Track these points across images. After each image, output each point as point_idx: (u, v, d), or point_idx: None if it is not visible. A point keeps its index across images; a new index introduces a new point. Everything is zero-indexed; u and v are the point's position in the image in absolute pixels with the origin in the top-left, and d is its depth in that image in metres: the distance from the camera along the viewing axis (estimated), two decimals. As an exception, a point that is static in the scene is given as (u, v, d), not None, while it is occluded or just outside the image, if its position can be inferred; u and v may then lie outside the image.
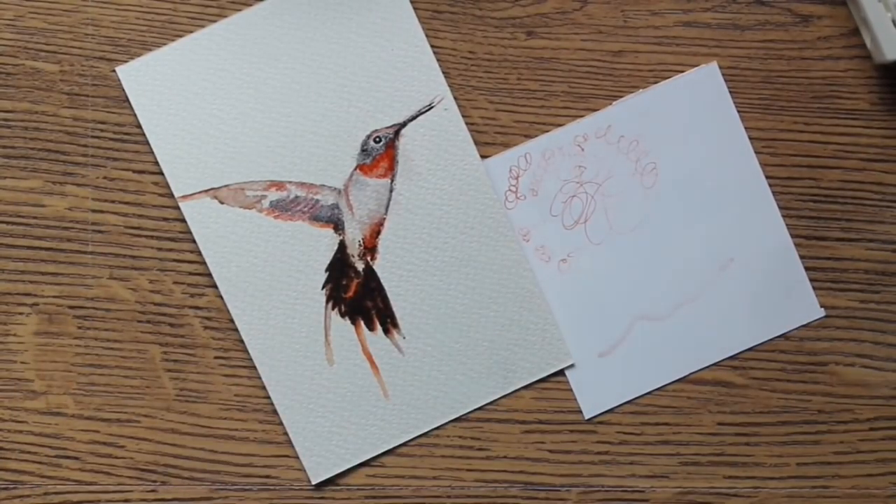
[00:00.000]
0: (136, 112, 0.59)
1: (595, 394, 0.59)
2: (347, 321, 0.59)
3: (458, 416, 0.59)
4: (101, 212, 0.59)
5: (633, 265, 0.59)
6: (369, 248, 0.59)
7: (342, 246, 0.59)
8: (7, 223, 0.59)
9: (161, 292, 0.59)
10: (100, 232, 0.59)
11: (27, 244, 0.59)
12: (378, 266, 0.59)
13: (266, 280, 0.59)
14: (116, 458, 0.59)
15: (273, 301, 0.59)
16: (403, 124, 0.59)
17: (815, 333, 0.60)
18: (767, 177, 0.60)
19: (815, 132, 0.60)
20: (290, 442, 0.59)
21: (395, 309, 0.59)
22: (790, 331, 0.60)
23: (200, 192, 0.59)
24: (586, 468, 0.59)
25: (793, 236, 0.60)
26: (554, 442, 0.59)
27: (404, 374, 0.59)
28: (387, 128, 0.59)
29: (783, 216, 0.60)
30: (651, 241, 0.59)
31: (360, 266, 0.59)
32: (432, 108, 0.59)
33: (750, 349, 0.60)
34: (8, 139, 0.59)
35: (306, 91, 0.59)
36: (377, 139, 0.59)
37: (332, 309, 0.59)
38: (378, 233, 0.59)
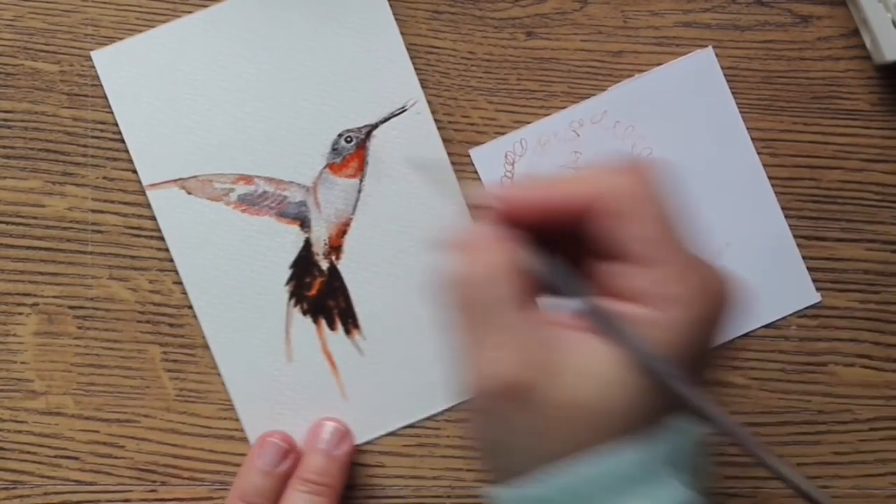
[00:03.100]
0: (109, 98, 0.59)
1: None
2: (309, 319, 0.59)
3: (414, 421, 0.59)
4: (101, 212, 0.59)
5: None
6: (335, 248, 0.59)
7: (308, 244, 0.59)
8: (7, 223, 0.59)
9: (161, 292, 0.59)
10: (100, 232, 0.59)
11: (27, 244, 0.59)
12: (342, 266, 0.59)
13: (230, 273, 0.59)
14: (116, 458, 0.59)
15: (235, 294, 0.59)
16: (375, 125, 0.59)
17: (815, 334, 0.60)
18: (767, 177, 0.60)
19: (815, 132, 0.60)
20: (290, 442, 0.59)
21: (356, 310, 0.59)
22: (787, 315, 0.60)
23: (168, 182, 0.59)
24: (586, 468, 0.59)
25: (793, 236, 0.60)
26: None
27: (363, 376, 0.59)
28: (359, 128, 0.59)
29: (784, 216, 0.60)
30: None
31: (324, 265, 0.59)
32: (405, 110, 0.59)
33: (749, 349, 0.60)
34: (8, 139, 0.59)
35: (280, 87, 0.59)
36: (348, 139, 0.59)
37: (295, 306, 0.59)
38: (344, 232, 0.59)
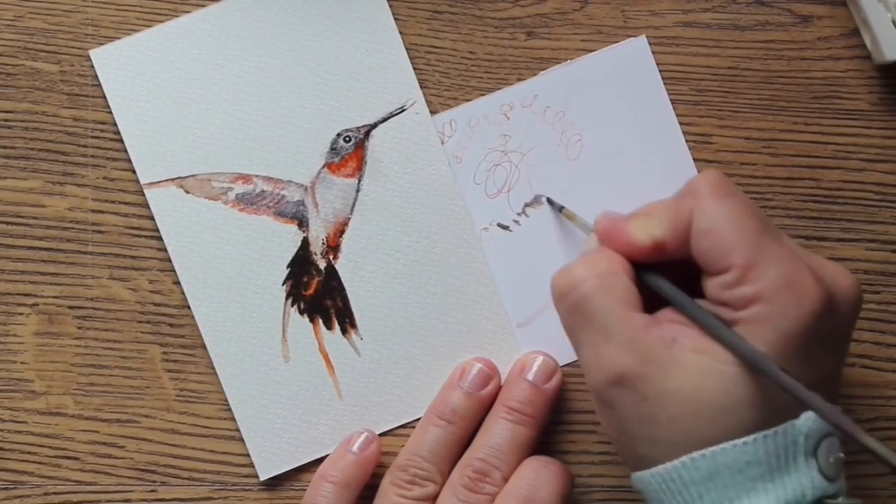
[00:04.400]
0: (107, 96, 0.59)
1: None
2: (306, 319, 0.59)
3: (409, 421, 0.59)
4: (101, 212, 0.59)
5: (555, 236, 0.59)
6: (332, 247, 0.59)
7: (305, 243, 0.59)
8: (7, 223, 0.59)
9: (161, 292, 0.59)
10: (100, 232, 0.59)
11: (27, 244, 0.59)
12: (340, 265, 0.59)
13: (227, 272, 0.59)
14: (116, 458, 0.59)
15: (233, 293, 0.59)
16: (374, 125, 0.59)
17: (815, 333, 0.60)
18: (767, 177, 0.60)
19: (815, 132, 0.60)
20: (290, 442, 0.59)
21: (354, 309, 0.59)
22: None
23: (166, 181, 0.59)
24: (586, 468, 0.59)
25: (793, 236, 0.60)
26: (553, 442, 0.59)
27: (359, 376, 0.59)
28: (357, 128, 0.59)
29: (783, 216, 0.60)
30: (574, 213, 0.59)
31: (321, 264, 0.59)
32: (404, 111, 0.59)
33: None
34: (8, 139, 0.59)
35: (279, 86, 0.59)
36: (347, 138, 0.59)
37: (292, 305, 0.59)
38: (342, 232, 0.59)
